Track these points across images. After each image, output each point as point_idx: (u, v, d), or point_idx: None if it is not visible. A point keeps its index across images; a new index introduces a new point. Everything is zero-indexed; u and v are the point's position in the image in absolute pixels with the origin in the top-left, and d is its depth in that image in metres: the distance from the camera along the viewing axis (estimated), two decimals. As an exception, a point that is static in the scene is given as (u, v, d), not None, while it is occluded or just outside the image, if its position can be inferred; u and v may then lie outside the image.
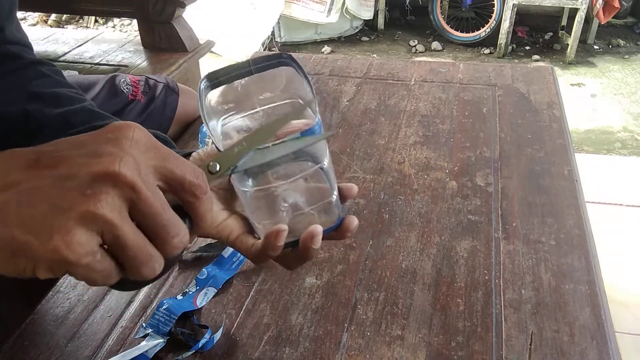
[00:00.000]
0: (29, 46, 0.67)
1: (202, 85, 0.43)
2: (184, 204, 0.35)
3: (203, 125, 0.46)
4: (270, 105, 0.45)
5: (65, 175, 0.30)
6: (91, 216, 0.29)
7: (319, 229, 0.42)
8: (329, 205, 0.45)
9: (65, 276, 0.65)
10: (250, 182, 0.43)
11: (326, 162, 0.44)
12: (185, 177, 0.34)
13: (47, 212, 0.29)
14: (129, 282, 0.34)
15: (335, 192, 0.45)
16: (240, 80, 0.44)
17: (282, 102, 0.45)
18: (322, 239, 0.43)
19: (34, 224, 0.29)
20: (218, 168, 0.38)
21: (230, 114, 0.45)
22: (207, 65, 1.55)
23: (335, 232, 0.45)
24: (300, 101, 0.44)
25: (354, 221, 0.45)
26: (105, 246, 0.31)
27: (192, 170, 0.35)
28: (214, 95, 0.44)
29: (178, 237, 0.33)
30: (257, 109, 0.45)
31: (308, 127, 0.41)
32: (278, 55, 0.44)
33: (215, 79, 0.43)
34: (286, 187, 0.43)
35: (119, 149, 0.31)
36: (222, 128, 0.44)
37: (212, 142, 0.42)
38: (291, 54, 0.45)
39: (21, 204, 0.29)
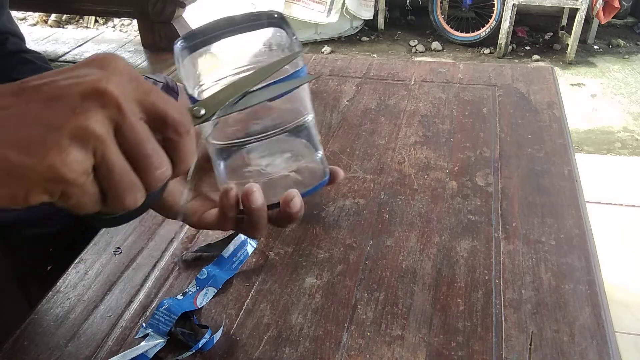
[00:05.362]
0: (19, 36, 0.67)
1: (179, 46, 0.40)
2: (166, 143, 0.34)
3: None
4: (264, 63, 0.43)
5: (53, 96, 0.30)
6: (83, 132, 0.29)
7: (293, 193, 0.42)
8: (312, 164, 0.44)
9: (65, 276, 0.66)
10: (224, 136, 0.41)
11: (310, 118, 0.42)
12: (168, 112, 0.33)
13: (40, 132, 0.29)
14: (108, 216, 0.34)
15: (321, 151, 0.44)
16: (228, 39, 0.42)
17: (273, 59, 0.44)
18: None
19: (27, 144, 0.29)
20: (203, 112, 0.37)
21: (222, 75, 0.43)
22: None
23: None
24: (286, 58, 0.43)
25: (339, 173, 0.45)
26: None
27: (175, 106, 0.34)
28: (200, 57, 0.42)
29: (161, 170, 0.33)
30: (251, 66, 0.43)
31: (292, 72, 0.40)
32: (267, 15, 0.42)
33: (198, 39, 0.41)
34: (259, 144, 0.42)
35: (104, 71, 0.31)
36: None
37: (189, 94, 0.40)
38: (281, 12, 0.43)
39: (12, 127, 0.29)
